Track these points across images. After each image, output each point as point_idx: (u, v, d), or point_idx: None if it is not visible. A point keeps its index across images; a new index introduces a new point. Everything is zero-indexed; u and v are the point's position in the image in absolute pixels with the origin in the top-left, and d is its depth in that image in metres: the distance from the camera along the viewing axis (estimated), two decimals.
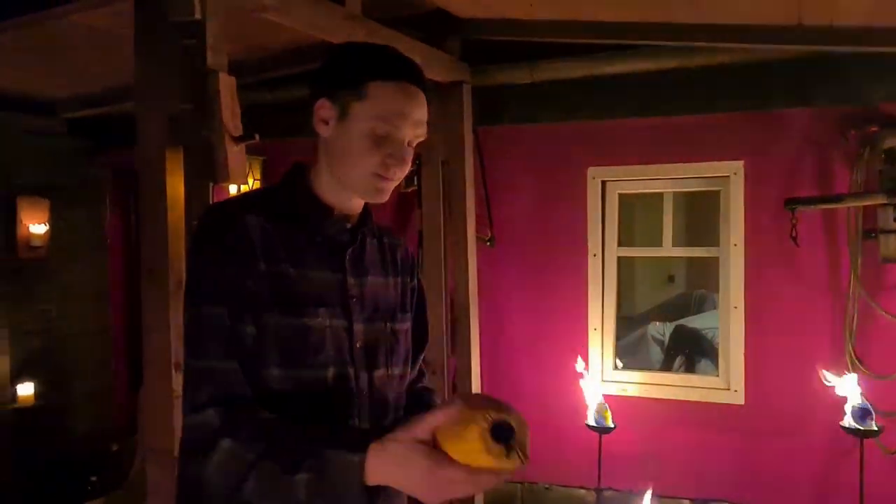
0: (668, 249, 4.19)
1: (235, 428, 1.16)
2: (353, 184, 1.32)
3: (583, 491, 4.03)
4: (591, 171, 4.02)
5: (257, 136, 2.16)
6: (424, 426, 1.10)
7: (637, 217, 5.57)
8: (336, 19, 2.77)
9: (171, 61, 2.21)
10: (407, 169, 1.32)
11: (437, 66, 3.52)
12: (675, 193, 4.11)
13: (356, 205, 1.40)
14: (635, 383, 4.02)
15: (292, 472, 1.12)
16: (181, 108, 2.19)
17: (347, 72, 1.28)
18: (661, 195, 4.10)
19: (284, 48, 3.69)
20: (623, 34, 3.38)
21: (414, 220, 4.27)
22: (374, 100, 1.25)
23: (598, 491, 3.75)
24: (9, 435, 4.50)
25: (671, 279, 7.64)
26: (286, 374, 1.24)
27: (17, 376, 4.59)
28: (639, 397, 3.99)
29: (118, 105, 4.29)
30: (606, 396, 3.82)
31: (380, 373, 1.37)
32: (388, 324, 1.41)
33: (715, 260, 3.94)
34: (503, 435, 1.09)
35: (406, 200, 4.35)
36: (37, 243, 4.73)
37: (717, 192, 3.90)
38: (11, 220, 4.63)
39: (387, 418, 1.38)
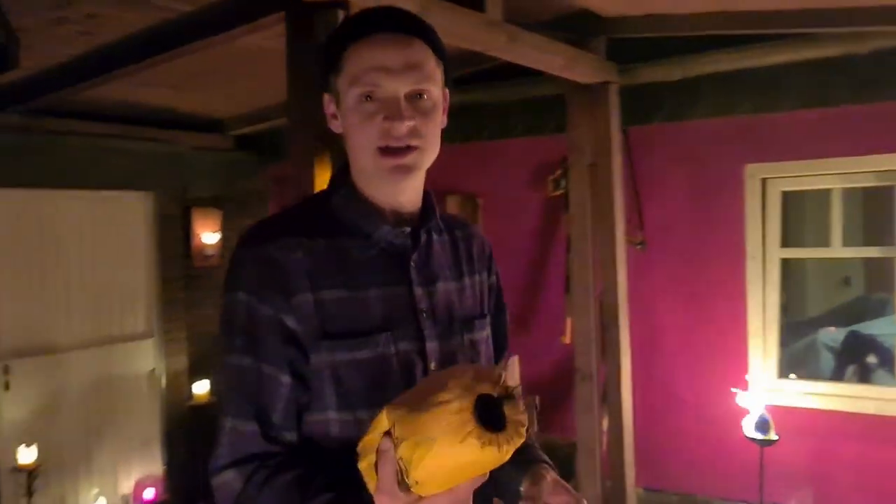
0: (838, 250, 3.89)
1: (252, 493, 1.05)
2: (368, 172, 1.15)
3: None
4: (749, 168, 3.80)
5: None
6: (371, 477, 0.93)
7: (803, 216, 5.22)
8: (476, 26, 2.79)
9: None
10: (417, 127, 1.10)
11: (582, 66, 3.47)
12: (844, 190, 3.81)
13: (410, 200, 1.20)
14: (802, 393, 3.77)
15: None
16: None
17: (328, 53, 1.14)
18: (828, 192, 3.82)
19: None
20: (779, 23, 3.18)
21: (562, 225, 4.23)
22: (348, 66, 1.10)
23: None
24: (186, 431, 4.86)
25: (846, 281, 7.08)
26: (345, 417, 1.09)
27: (193, 375, 4.96)
28: (806, 408, 3.73)
29: (278, 120, 4.55)
30: (768, 407, 3.60)
31: None
32: (465, 335, 1.22)
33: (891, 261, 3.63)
34: (491, 414, 0.83)
35: (553, 204, 4.32)
36: (209, 252, 5.08)
37: (892, 188, 3.59)
38: (187, 231, 5.02)
39: None
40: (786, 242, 3.91)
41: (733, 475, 3.75)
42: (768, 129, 3.75)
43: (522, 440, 0.85)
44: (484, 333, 1.28)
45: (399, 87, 1.09)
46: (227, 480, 1.08)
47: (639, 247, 4.05)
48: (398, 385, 1.09)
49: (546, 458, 1.26)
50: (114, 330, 4.64)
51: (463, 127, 4.51)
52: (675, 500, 4.02)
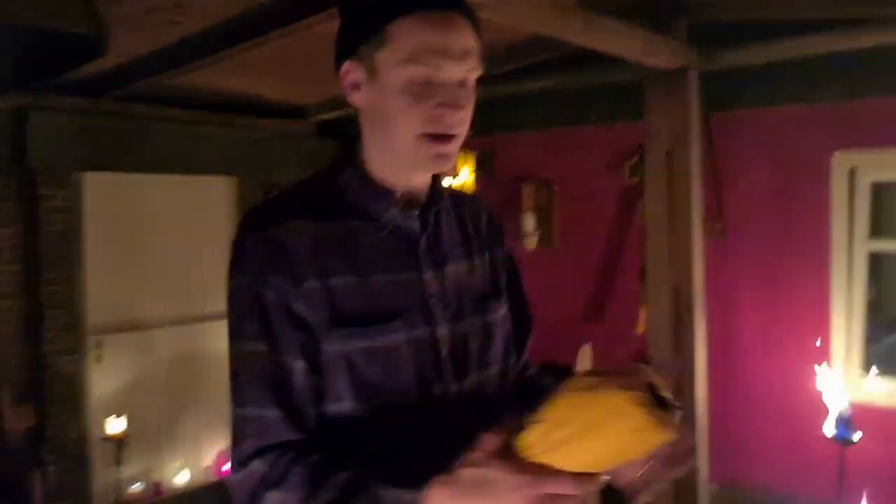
0: None
1: (282, 477, 1.02)
2: (403, 156, 1.09)
3: None
4: (836, 156, 3.66)
5: None
6: (494, 438, 0.93)
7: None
8: (552, 11, 2.77)
9: None
10: (465, 117, 1.06)
11: (660, 52, 3.39)
12: None
13: (421, 180, 1.16)
14: (889, 392, 3.61)
15: None
16: None
17: (363, 19, 1.05)
18: None
19: (499, 44, 3.75)
20: (870, 3, 3.04)
21: (638, 212, 4.16)
22: (399, 42, 1.02)
23: None
24: None
25: None
26: (359, 406, 1.07)
27: None
28: (892, 407, 3.58)
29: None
30: (854, 404, 3.47)
31: (471, 380, 1.16)
32: (478, 317, 1.19)
33: None
34: (659, 400, 0.86)
35: (630, 192, 4.25)
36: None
37: None
38: None
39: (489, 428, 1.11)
40: (876, 235, 3.74)
41: (811, 473, 3.64)
42: (857, 116, 3.59)
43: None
44: (499, 314, 1.23)
45: (456, 73, 1.04)
46: (250, 472, 1.03)
47: (719, 237, 3.96)
48: (410, 372, 1.08)
49: None
50: (197, 309, 4.83)
51: (539, 113, 4.49)
52: (750, 496, 3.92)
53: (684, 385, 3.68)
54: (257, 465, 1.03)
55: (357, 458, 1.03)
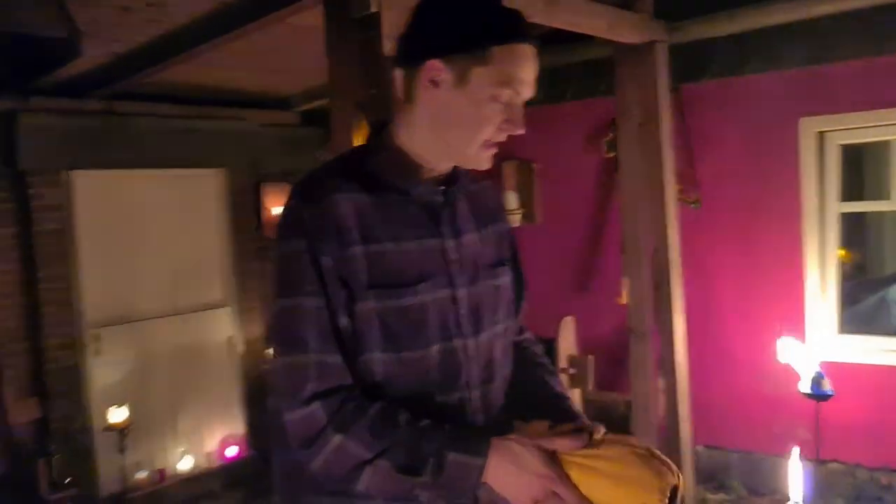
0: None
1: (344, 424, 1.15)
2: (459, 152, 1.26)
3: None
4: (803, 121, 3.74)
5: None
6: (551, 443, 1.18)
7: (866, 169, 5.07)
8: None
9: (355, 53, 2.44)
10: (520, 131, 1.24)
11: (627, 27, 3.46)
12: None
13: (447, 164, 1.32)
14: (865, 350, 3.72)
15: (411, 474, 1.14)
16: (370, 93, 2.42)
17: (467, 34, 1.18)
18: (889, 144, 3.72)
19: None
20: None
21: (616, 186, 4.25)
22: (498, 65, 1.17)
23: (819, 462, 3.53)
24: (264, 393, 5.13)
25: None
26: (389, 357, 1.21)
27: (268, 340, 5.22)
28: (868, 364, 3.68)
29: None
30: (828, 363, 3.57)
31: (485, 335, 1.32)
32: (489, 281, 1.35)
33: None
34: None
35: (609, 166, 4.34)
36: (274, 239, 5.30)
37: None
38: (259, 205, 5.26)
39: (495, 377, 1.34)
40: (849, 197, 3.83)
41: (790, 432, 3.74)
42: (822, 81, 3.68)
43: None
44: (505, 279, 1.40)
45: (526, 97, 1.23)
46: (312, 412, 1.16)
47: (693, 205, 4.05)
48: (434, 328, 1.24)
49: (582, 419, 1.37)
50: (193, 299, 4.94)
51: None
52: (733, 457, 4.04)
53: (664, 350, 3.78)
54: (319, 407, 1.16)
55: (405, 414, 1.18)
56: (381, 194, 1.24)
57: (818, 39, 3.58)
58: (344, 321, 1.19)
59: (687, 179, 4.01)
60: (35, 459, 3.74)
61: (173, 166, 4.79)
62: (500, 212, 1.47)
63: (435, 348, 1.24)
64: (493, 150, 1.26)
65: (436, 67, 1.19)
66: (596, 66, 4.21)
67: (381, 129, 1.32)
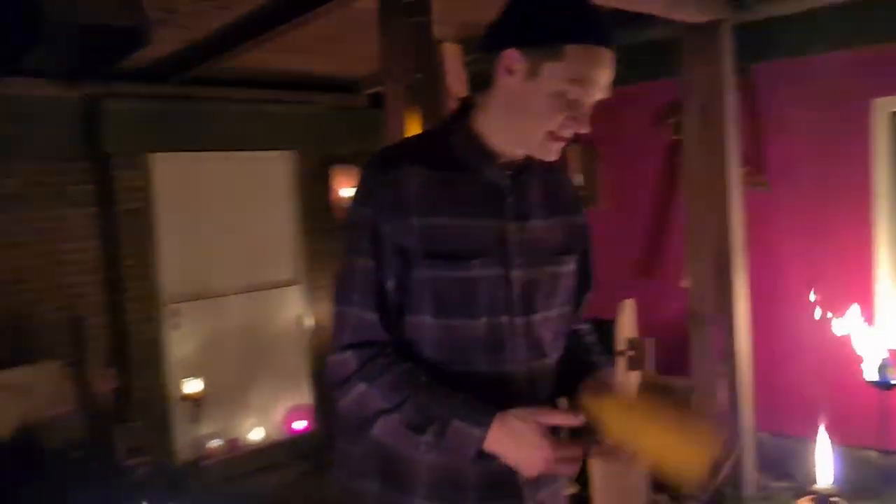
0: None
1: (370, 375, 1.28)
2: (526, 141, 1.31)
3: (872, 453, 3.70)
4: (876, 102, 3.61)
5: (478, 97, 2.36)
6: (548, 417, 1.26)
7: None
8: None
9: (406, 37, 2.50)
10: (584, 130, 1.29)
11: (686, 6, 3.42)
12: None
13: (520, 152, 1.37)
14: None
15: (417, 431, 1.26)
16: (416, 77, 2.48)
17: (544, 28, 1.23)
18: None
19: None
20: None
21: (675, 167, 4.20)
22: (570, 63, 1.21)
23: (887, 453, 3.43)
24: None
25: None
26: (438, 322, 1.31)
27: None
28: None
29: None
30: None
31: (538, 317, 1.38)
32: (548, 267, 1.39)
33: None
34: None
35: (675, 149, 4.27)
36: (347, 205, 5.44)
37: None
38: (328, 186, 5.40)
39: (543, 357, 1.41)
40: None
41: (855, 421, 3.64)
42: None
43: None
44: (567, 268, 1.44)
45: (595, 98, 1.26)
46: (345, 358, 1.30)
47: (761, 188, 3.96)
48: (483, 303, 1.31)
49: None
50: (264, 277, 5.13)
51: None
52: (797, 445, 3.95)
53: (727, 335, 3.73)
54: (351, 355, 1.30)
55: (432, 370, 1.30)
56: (450, 172, 1.32)
57: (892, 16, 3.44)
58: (391, 284, 1.29)
59: (754, 162, 3.93)
60: (114, 427, 3.97)
61: (246, 148, 4.97)
62: (576, 205, 1.50)
63: (482, 321, 1.32)
64: (560, 143, 1.30)
65: (512, 56, 1.24)
66: (662, 47, 4.14)
67: (464, 110, 1.38)
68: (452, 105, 2.36)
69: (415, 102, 2.50)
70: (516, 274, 1.34)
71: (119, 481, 3.79)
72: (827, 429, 3.57)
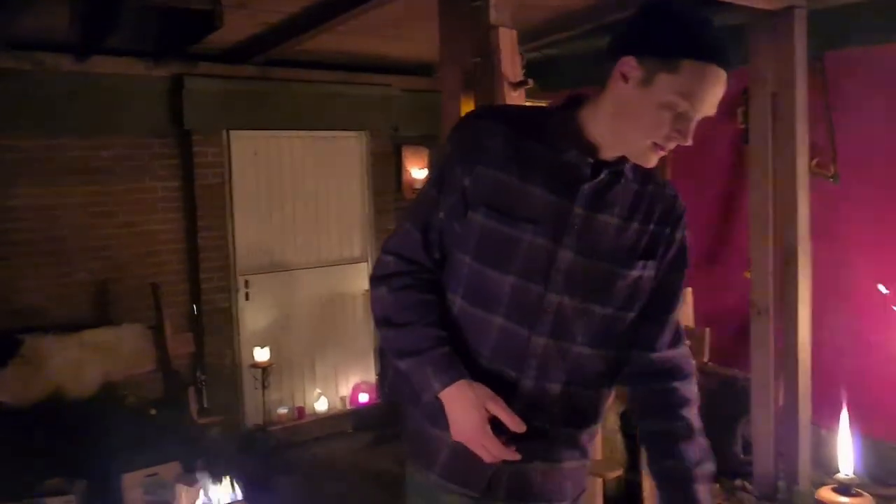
0: None
1: (395, 285, 1.44)
2: (628, 145, 1.35)
3: None
4: None
5: (531, 82, 2.42)
6: (498, 408, 1.35)
7: None
8: None
9: (464, 22, 2.57)
10: (687, 143, 1.31)
11: None
12: None
13: (615, 153, 1.39)
14: None
15: (398, 355, 1.44)
16: (472, 61, 2.55)
17: (664, 41, 1.26)
18: None
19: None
20: None
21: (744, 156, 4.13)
22: (684, 77, 1.24)
23: None
24: None
25: None
26: (474, 266, 1.40)
27: None
28: None
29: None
30: None
31: (575, 301, 1.38)
32: (606, 263, 1.39)
33: None
34: None
35: (743, 137, 4.21)
36: (418, 186, 5.56)
37: None
38: (399, 167, 5.53)
39: (571, 340, 1.40)
40: None
41: None
42: None
43: None
44: (631, 273, 1.41)
45: (700, 115, 1.30)
46: (387, 261, 1.47)
47: (831, 180, 3.87)
48: (519, 264, 1.37)
49: (701, 501, 1.43)
50: (334, 253, 5.31)
51: None
52: (857, 443, 3.87)
53: (787, 327, 3.67)
54: (392, 260, 1.47)
55: (437, 316, 1.43)
56: (535, 143, 1.38)
57: None
58: (441, 215, 1.43)
59: (825, 153, 3.83)
60: (188, 387, 4.22)
61: (320, 128, 5.15)
62: (673, 221, 1.46)
63: (509, 279, 1.38)
64: (661, 153, 1.33)
65: (629, 63, 1.28)
66: (734, 33, 4.07)
67: (570, 103, 1.43)
68: (507, 90, 2.42)
69: (471, 87, 2.57)
70: (564, 254, 1.36)
71: (192, 439, 4.02)
72: (890, 427, 3.52)
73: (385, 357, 1.56)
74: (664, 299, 1.48)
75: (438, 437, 1.44)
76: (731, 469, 4.02)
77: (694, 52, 1.24)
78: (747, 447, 4.01)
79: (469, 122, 1.48)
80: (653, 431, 1.50)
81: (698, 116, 1.28)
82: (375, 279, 1.49)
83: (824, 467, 3.93)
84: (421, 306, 1.43)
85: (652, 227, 1.43)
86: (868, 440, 3.84)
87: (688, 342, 1.57)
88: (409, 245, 1.46)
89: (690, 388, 1.50)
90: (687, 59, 1.24)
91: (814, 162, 3.80)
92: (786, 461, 3.76)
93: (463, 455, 1.39)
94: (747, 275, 4.01)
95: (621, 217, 1.40)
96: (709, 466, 1.45)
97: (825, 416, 3.81)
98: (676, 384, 1.48)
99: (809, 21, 3.51)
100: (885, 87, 3.73)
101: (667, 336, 1.49)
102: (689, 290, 3.84)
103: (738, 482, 3.93)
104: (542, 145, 1.38)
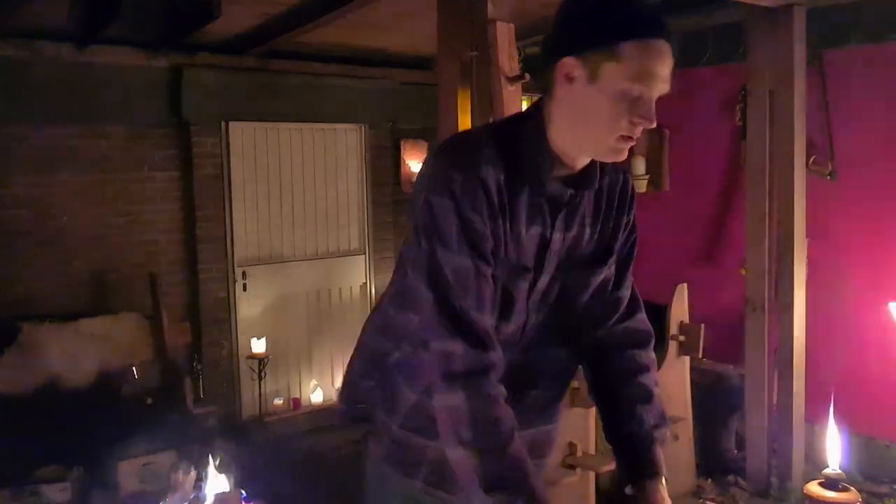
0: None
1: (474, 390, 1.26)
2: (596, 146, 1.30)
3: None
4: None
5: (528, 76, 2.43)
6: None
7: None
8: None
9: (462, 15, 2.58)
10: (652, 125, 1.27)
11: None
12: None
13: (585, 159, 1.36)
14: None
15: (486, 489, 1.24)
16: (469, 55, 2.56)
17: (597, 31, 1.22)
18: None
19: None
20: None
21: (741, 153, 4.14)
22: (628, 61, 1.20)
23: None
24: None
25: None
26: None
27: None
28: None
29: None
30: None
31: (546, 314, 1.41)
32: (581, 271, 1.41)
33: None
34: None
35: (742, 133, 4.22)
36: (420, 186, 5.55)
37: None
38: (397, 160, 5.53)
39: (541, 346, 1.43)
40: None
41: None
42: None
43: None
44: (599, 276, 1.44)
45: (658, 92, 1.24)
46: (453, 349, 1.26)
47: (828, 178, 3.88)
48: (521, 305, 1.36)
49: (660, 463, 1.44)
50: (331, 245, 5.32)
51: None
52: (852, 441, 3.89)
53: (782, 324, 3.69)
54: (461, 348, 1.26)
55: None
56: (519, 180, 1.30)
57: None
58: (489, 272, 1.29)
59: (822, 150, 3.85)
60: (184, 377, 4.23)
61: (319, 120, 5.15)
62: (626, 202, 1.47)
63: (516, 318, 1.37)
64: (629, 143, 1.28)
65: (570, 64, 1.24)
66: (732, 31, 4.09)
67: (538, 115, 1.35)
68: (503, 84, 2.43)
69: (468, 80, 2.58)
70: (542, 279, 1.37)
71: (188, 428, 4.03)
72: (885, 425, 3.54)
73: (352, 370, 1.54)
74: (621, 276, 1.50)
75: (422, 446, 1.41)
76: (724, 465, 4.05)
77: (630, 33, 1.20)
78: (741, 443, 4.03)
79: (465, 171, 1.27)
80: (612, 398, 1.50)
81: (655, 95, 1.24)
82: (441, 376, 1.28)
83: (817, 464, 3.95)
84: (505, 431, 1.27)
85: (612, 223, 1.44)
86: (861, 438, 3.86)
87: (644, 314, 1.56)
88: (482, 337, 1.28)
89: (648, 355, 1.52)
90: (626, 42, 1.19)
91: (811, 160, 3.82)
92: (779, 457, 3.78)
93: (447, 465, 1.34)
94: (743, 271, 4.03)
95: (590, 225, 1.41)
96: (664, 429, 1.47)
97: (818, 412, 3.83)
98: (636, 351, 1.51)
99: (809, 18, 3.52)
100: (882, 86, 3.74)
101: (623, 308, 1.51)
102: (685, 286, 3.85)
103: (731, 478, 3.95)
104: (525, 179, 1.31)
